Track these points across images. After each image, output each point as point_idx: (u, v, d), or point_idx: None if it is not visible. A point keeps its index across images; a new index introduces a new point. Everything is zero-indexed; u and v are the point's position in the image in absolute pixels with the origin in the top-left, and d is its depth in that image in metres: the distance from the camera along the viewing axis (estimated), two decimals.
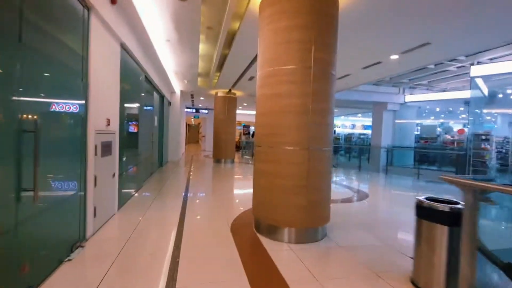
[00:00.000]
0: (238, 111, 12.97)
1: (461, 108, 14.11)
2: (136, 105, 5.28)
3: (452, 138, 12.87)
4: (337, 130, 21.99)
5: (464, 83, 11.86)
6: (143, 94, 5.80)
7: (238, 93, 11.45)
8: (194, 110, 17.83)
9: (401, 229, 3.79)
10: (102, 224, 3.35)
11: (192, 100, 15.00)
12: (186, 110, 17.55)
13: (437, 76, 10.80)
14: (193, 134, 33.20)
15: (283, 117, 3.03)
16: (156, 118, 8.04)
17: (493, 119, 11.29)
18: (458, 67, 9.62)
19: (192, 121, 27.79)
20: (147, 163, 6.90)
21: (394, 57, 6.01)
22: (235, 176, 8.14)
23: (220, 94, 11.17)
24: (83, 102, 2.82)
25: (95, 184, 3.06)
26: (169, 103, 10.89)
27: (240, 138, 20.97)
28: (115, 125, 3.77)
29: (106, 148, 3.39)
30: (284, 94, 3.02)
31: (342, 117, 21.40)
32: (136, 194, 5.06)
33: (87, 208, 2.91)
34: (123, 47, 4.13)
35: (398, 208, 5.17)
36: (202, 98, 13.56)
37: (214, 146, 11.41)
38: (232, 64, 7.12)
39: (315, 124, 3.01)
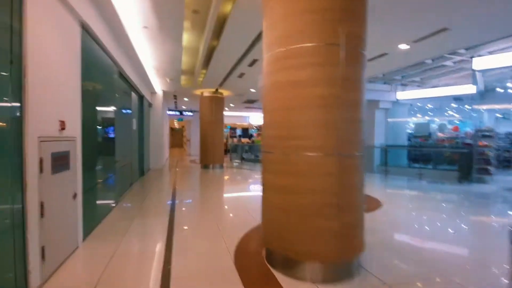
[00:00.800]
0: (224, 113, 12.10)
1: (453, 105, 13.95)
2: (108, 105, 4.34)
3: (445, 136, 12.64)
4: None
5: (456, 79, 11.66)
6: (117, 92, 4.85)
7: (225, 92, 10.61)
8: (177, 113, 16.76)
9: (453, 250, 3.11)
10: (57, 267, 2.43)
11: (175, 102, 13.98)
12: (169, 112, 16.45)
13: (433, 71, 10.47)
14: (177, 138, 31.88)
15: (304, 112, 2.25)
16: (134, 121, 7.07)
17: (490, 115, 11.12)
18: (455, 62, 9.30)
19: (176, 124, 26.56)
20: (125, 173, 5.92)
21: (404, 47, 5.41)
22: (228, 185, 7.28)
23: (206, 94, 10.29)
24: (17, 97, 1.92)
25: (42, 214, 2.15)
26: (150, 104, 9.87)
27: (227, 141, 20.08)
28: (74, 130, 2.86)
29: (60, 161, 2.47)
30: (304, 81, 2.24)
31: None
32: (111, 214, 4.11)
33: (29, 249, 2.00)
34: (86, 29, 3.22)
35: (426, 218, 4.54)
36: (186, 99, 12.60)
37: (201, 150, 10.49)
38: (221, 58, 6.30)
39: (346, 121, 2.26)
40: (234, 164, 12.64)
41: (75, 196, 2.82)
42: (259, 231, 3.27)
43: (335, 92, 2.20)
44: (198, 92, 10.54)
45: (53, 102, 2.40)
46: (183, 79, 8.77)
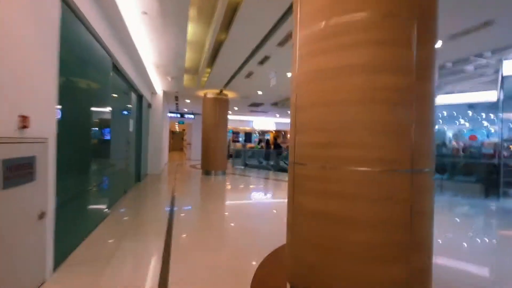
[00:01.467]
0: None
1: (469, 113, 13.30)
2: (100, 102, 3.70)
3: (463, 145, 11.98)
4: None
5: (473, 85, 11.05)
6: (111, 88, 4.22)
7: (230, 94, 10.00)
8: (178, 115, 16.15)
9: None
10: None
11: (177, 104, 13.37)
12: (169, 115, 15.85)
13: (448, 77, 9.86)
14: (177, 141, 31.28)
15: (356, 110, 1.61)
16: (132, 122, 6.43)
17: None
18: (477, 67, 8.69)
19: (176, 127, 25.95)
20: (118, 180, 5.26)
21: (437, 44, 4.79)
22: (233, 196, 6.60)
23: (209, 95, 9.67)
24: None
25: None
26: (150, 105, 9.25)
27: (229, 146, 19.43)
28: (46, 129, 2.21)
29: (18, 171, 1.82)
30: (358, 66, 1.59)
31: None
32: (96, 230, 3.44)
33: None
34: (68, 4, 2.59)
35: (481, 244, 3.84)
36: (188, 100, 11.99)
37: (202, 155, 9.83)
38: (229, 54, 5.68)
39: (418, 122, 1.61)
40: (237, 170, 11.97)
41: (42, 215, 2.15)
42: (277, 258, 2.60)
43: (406, 82, 1.56)
44: (201, 93, 9.93)
45: (9, 90, 1.76)
46: (186, 78, 8.17)
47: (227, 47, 5.33)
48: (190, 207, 4.91)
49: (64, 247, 2.63)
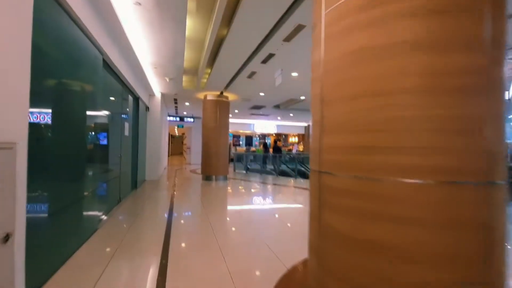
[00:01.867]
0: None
1: None
2: (85, 102, 3.31)
3: None
4: None
5: None
6: (102, 87, 3.83)
7: (231, 96, 9.64)
8: (178, 119, 15.78)
9: None
10: None
11: (176, 107, 13.00)
12: (169, 118, 15.48)
13: None
14: (176, 145, 30.92)
15: (414, 103, 1.21)
16: (127, 125, 6.04)
17: None
18: None
19: (176, 131, 25.60)
20: (110, 189, 4.85)
21: None
22: (237, 204, 6.19)
23: (210, 97, 9.30)
24: None
25: None
26: (147, 108, 8.87)
27: (230, 150, 19.06)
28: (11, 132, 1.81)
29: None
30: (416, 43, 1.20)
31: None
32: (81, 249, 3.02)
33: None
34: None
35: None
36: (187, 103, 11.61)
37: (203, 160, 9.42)
38: (231, 52, 5.31)
39: (493, 119, 1.21)
40: (239, 175, 11.55)
41: (7, 238, 1.74)
42: (294, 281, 2.18)
43: (477, 63, 1.17)
44: (201, 95, 9.56)
45: None
46: (185, 80, 7.80)
47: (229, 44, 4.97)
48: (189, 218, 4.49)
49: (40, 273, 2.22)
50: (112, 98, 4.87)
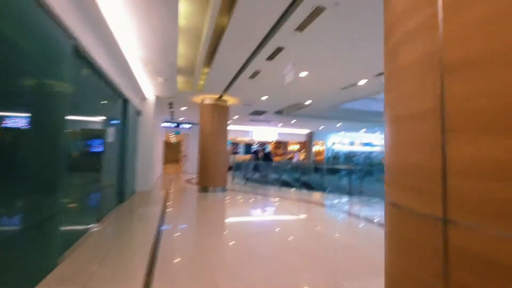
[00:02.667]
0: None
1: None
2: (39, 99, 2.51)
3: None
4: (336, 147, 19.84)
5: None
6: (66, 80, 3.03)
7: (230, 100, 8.88)
8: (174, 125, 14.97)
9: None
10: None
11: (172, 112, 12.21)
12: (164, 124, 14.68)
13: None
14: (172, 152, 30.00)
15: None
16: (112, 130, 5.23)
17: None
18: None
19: (172, 138, 24.74)
20: (83, 208, 4.01)
21: None
22: (241, 225, 5.34)
23: (207, 101, 8.53)
24: None
25: None
26: (139, 112, 8.08)
27: (228, 158, 18.23)
28: None
29: None
30: None
31: (342, 132, 19.35)
32: None
33: None
34: None
35: None
36: (183, 108, 10.83)
37: (200, 169, 8.58)
38: (232, 46, 4.57)
39: None
40: (238, 185, 10.70)
41: None
42: None
43: None
44: (198, 99, 8.79)
45: None
46: (180, 81, 7.03)
47: (230, 36, 4.22)
48: (181, 249, 3.65)
49: None
50: (89, 98, 4.07)
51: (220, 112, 8.52)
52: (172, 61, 5.32)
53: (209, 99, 8.49)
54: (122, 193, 6.27)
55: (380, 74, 5.73)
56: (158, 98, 8.84)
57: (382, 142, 21.25)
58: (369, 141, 20.57)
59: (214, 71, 5.99)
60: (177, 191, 8.84)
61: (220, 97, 8.42)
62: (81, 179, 3.84)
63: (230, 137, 18.37)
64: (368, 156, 18.23)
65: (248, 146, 21.48)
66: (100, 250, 3.23)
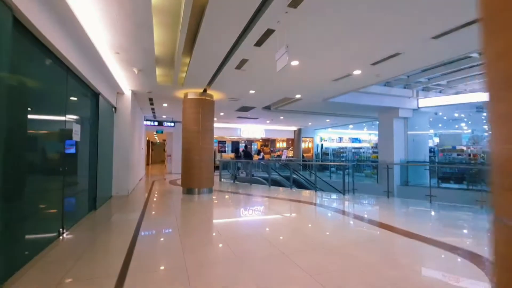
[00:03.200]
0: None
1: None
2: None
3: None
4: (325, 144, 19.58)
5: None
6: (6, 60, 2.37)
7: (215, 95, 8.28)
8: (156, 123, 14.17)
9: None
10: None
11: (153, 109, 11.45)
12: (146, 123, 13.86)
13: (467, 72, 8.66)
14: (157, 153, 28.98)
15: None
16: (76, 127, 4.53)
17: None
18: None
19: (156, 137, 23.78)
20: (45, 216, 3.35)
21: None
22: (229, 232, 4.79)
23: (191, 95, 7.89)
24: None
25: None
26: (114, 108, 7.34)
27: (215, 157, 17.60)
28: None
29: None
30: None
31: (330, 129, 19.09)
32: None
33: None
34: None
35: None
36: (165, 104, 10.12)
37: (183, 170, 7.94)
38: (214, 30, 3.99)
39: None
40: (226, 185, 10.13)
41: None
42: None
43: None
44: (180, 93, 8.14)
45: None
46: (159, 73, 6.37)
47: (211, 16, 3.65)
48: (158, 270, 3.07)
49: None
50: (48, 91, 3.39)
51: (205, 108, 7.89)
52: (147, 47, 4.67)
53: (192, 93, 7.85)
54: (94, 200, 5.56)
55: (377, 63, 5.31)
56: (136, 93, 8.11)
57: (370, 137, 21.19)
58: (357, 137, 20.45)
59: (196, 61, 5.39)
60: (159, 194, 8.16)
61: (205, 91, 7.80)
62: (36, 187, 3.18)
63: (217, 135, 17.72)
64: (357, 152, 18.08)
65: (235, 144, 20.90)
66: (58, 272, 2.60)
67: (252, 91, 7.91)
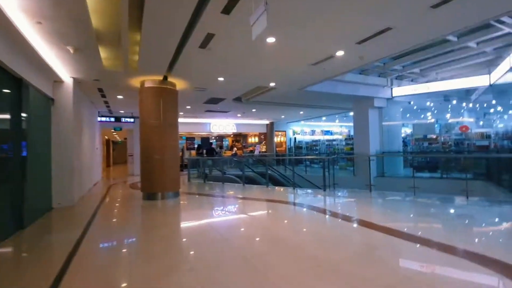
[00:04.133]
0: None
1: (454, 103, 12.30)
2: None
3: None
4: (298, 137, 19.16)
5: (460, 70, 9.97)
6: None
7: (179, 84, 7.18)
8: (113, 119, 12.58)
9: None
10: None
11: (107, 103, 9.96)
12: (101, 119, 12.21)
13: (443, 58, 8.48)
14: (120, 153, 26.65)
15: None
16: None
17: None
18: (479, 43, 7.35)
19: (116, 136, 21.73)
20: None
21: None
22: (201, 252, 3.85)
23: (149, 84, 6.71)
24: None
25: None
26: (51, 100, 5.96)
27: (183, 155, 16.32)
28: None
29: None
30: None
31: (302, 122, 18.67)
32: None
33: None
34: None
35: None
36: (120, 96, 8.75)
37: (142, 172, 6.78)
38: None
39: None
40: (195, 186, 9.09)
41: None
42: None
43: None
44: (136, 82, 6.91)
45: None
46: (105, 55, 5.15)
47: None
48: None
49: None
50: None
51: (166, 98, 6.77)
52: (80, 16, 3.51)
53: (150, 81, 6.68)
54: (20, 216, 4.28)
55: (363, 41, 4.65)
56: (80, 82, 6.73)
57: (341, 130, 21.19)
58: (329, 129, 20.31)
59: (148, 36, 4.32)
60: (114, 201, 6.93)
61: (165, 78, 6.67)
62: None
63: (185, 131, 16.40)
64: (330, 144, 17.88)
65: (205, 141, 19.70)
66: None
67: (221, 78, 6.94)
